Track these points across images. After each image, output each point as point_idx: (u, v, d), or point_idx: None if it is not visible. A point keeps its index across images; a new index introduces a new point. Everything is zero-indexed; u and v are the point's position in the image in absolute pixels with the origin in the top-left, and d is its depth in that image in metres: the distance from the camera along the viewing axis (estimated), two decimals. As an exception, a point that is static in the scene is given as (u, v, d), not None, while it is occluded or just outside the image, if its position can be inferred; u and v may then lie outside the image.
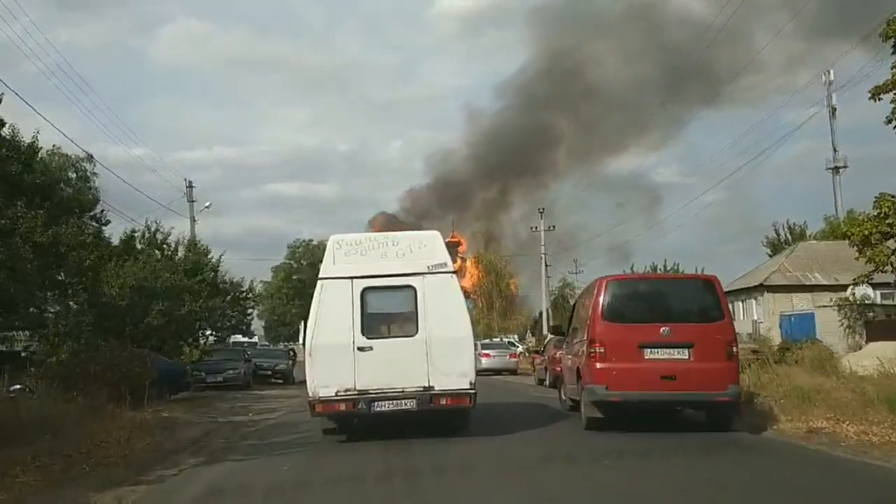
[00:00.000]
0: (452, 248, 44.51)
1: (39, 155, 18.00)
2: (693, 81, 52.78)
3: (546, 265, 49.05)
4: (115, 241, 25.68)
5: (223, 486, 7.50)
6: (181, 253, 29.07)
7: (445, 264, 10.11)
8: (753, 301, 33.88)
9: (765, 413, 11.25)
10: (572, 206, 77.04)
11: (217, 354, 27.02)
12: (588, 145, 58.34)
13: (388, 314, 10.33)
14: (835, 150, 46.40)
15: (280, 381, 28.59)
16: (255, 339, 50.08)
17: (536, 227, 48.74)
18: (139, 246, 26.97)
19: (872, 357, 17.29)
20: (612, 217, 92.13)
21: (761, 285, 32.62)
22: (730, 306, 11.26)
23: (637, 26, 64.25)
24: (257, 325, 60.27)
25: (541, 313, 50.17)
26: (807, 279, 32.27)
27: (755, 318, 32.97)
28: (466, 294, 33.44)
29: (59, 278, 17.66)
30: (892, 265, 18.76)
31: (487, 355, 31.27)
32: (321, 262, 10.43)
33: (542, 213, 48.71)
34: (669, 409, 10.97)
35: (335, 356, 9.66)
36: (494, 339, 43.83)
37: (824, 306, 28.79)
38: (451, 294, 10.02)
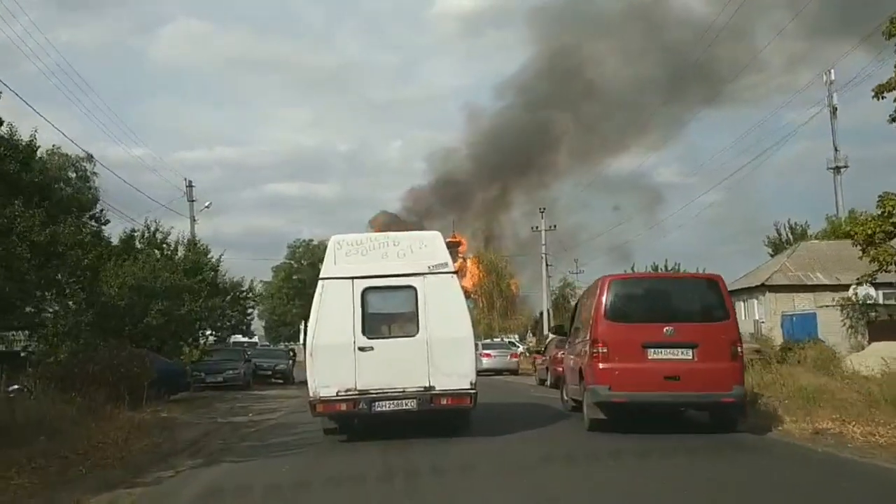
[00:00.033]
0: (453, 248, 44.50)
1: (38, 154, 17.90)
2: (694, 81, 52.81)
3: (547, 265, 48.91)
4: (115, 240, 25.61)
5: (221, 488, 7.41)
6: (181, 252, 28.93)
7: (446, 264, 10.12)
8: (755, 301, 33.74)
9: (769, 414, 11.13)
10: (573, 206, 77.25)
11: (217, 354, 26.94)
12: (588, 145, 58.35)
13: (388, 314, 10.34)
14: (836, 150, 46.39)
15: (280, 381, 28.52)
16: (256, 339, 49.98)
17: (537, 227, 48.60)
18: (139, 245, 26.86)
19: (876, 357, 17.18)
20: (613, 217, 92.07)
21: (763, 285, 32.48)
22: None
23: (637, 26, 64.30)
24: (258, 325, 60.21)
25: (541, 313, 50.04)
26: (808, 279, 32.14)
27: (756, 317, 32.83)
28: (467, 294, 33.32)
29: (58, 278, 17.56)
30: (896, 265, 18.65)
31: (488, 355, 31.19)
32: (321, 262, 10.44)
33: (542, 212, 48.59)
34: (673, 411, 10.87)
35: (336, 356, 9.66)
36: (495, 339, 43.72)
37: (826, 306, 28.68)
38: (451, 294, 10.02)
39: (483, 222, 61.80)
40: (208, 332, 31.48)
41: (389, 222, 56.35)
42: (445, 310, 9.82)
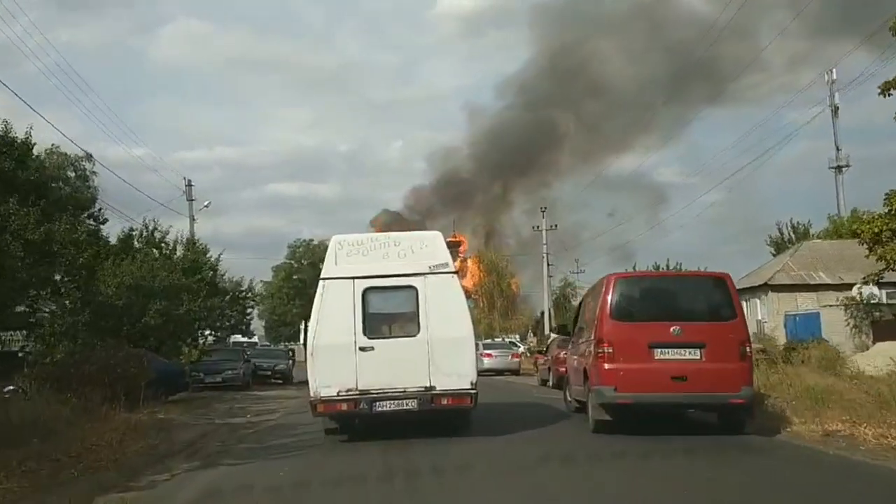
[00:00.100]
0: (453, 247, 44.29)
1: (35, 152, 17.73)
2: (696, 80, 52.72)
3: (548, 264, 48.69)
4: (114, 240, 25.43)
5: (217, 491, 7.26)
6: (180, 252, 28.75)
7: (447, 264, 10.16)
8: (757, 300, 33.53)
9: (777, 415, 10.92)
10: (574, 206, 76.75)
11: (216, 354, 26.79)
12: (590, 144, 58.22)
13: (389, 314, 10.36)
14: (837, 149, 46.31)
15: (280, 381, 28.36)
16: (255, 339, 49.81)
17: (538, 227, 48.41)
18: (137, 245, 26.68)
19: (883, 357, 17.00)
20: (617, 213, 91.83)
21: (765, 284, 32.26)
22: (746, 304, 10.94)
23: (639, 25, 64.14)
24: (258, 325, 60.07)
25: (542, 313, 49.85)
26: (811, 278, 31.93)
27: (759, 317, 32.63)
28: (468, 294, 33.10)
29: (55, 278, 17.38)
30: (903, 263, 18.41)
31: (489, 355, 30.98)
32: (322, 262, 10.50)
33: (544, 211, 48.41)
34: (679, 412, 10.66)
35: (337, 356, 9.69)
36: (496, 339, 43.51)
37: (830, 306, 28.50)
38: (452, 294, 10.05)
39: (484, 220, 61.70)
40: (207, 332, 31.30)
41: (392, 221, 56.29)
42: (446, 310, 9.86)
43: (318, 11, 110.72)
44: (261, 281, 55.29)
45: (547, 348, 24.42)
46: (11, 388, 12.87)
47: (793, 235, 45.00)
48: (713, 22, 53.95)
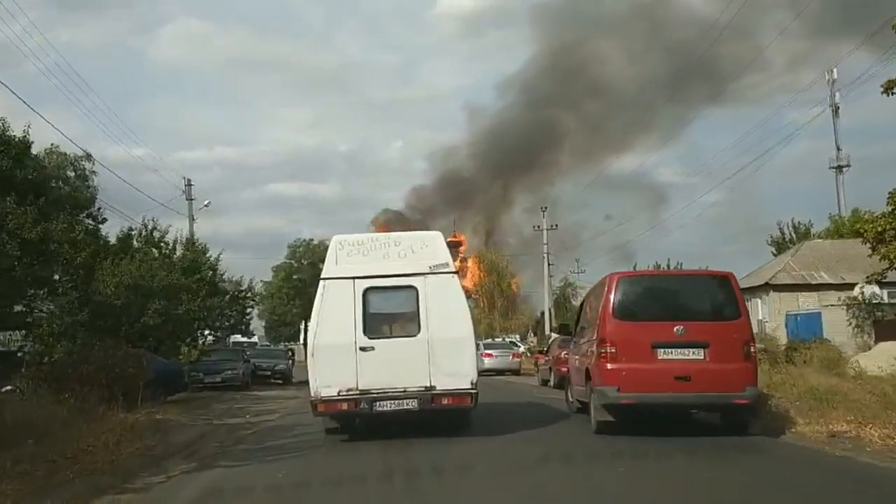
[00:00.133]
0: (454, 247, 44.19)
1: (34, 151, 17.60)
2: (696, 80, 52.60)
3: (549, 264, 48.59)
4: (113, 239, 25.31)
5: (214, 494, 7.17)
6: (179, 251, 28.63)
7: (447, 264, 10.19)
8: (759, 300, 33.43)
9: (781, 416, 10.77)
10: (574, 205, 76.68)
11: (215, 354, 26.72)
12: (591, 144, 58.10)
13: (389, 314, 10.37)
14: (838, 149, 46.27)
15: (279, 381, 28.30)
16: (255, 339, 49.70)
17: (539, 226, 48.31)
18: (136, 244, 26.56)
19: (886, 357, 16.89)
20: (614, 217, 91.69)
21: (766, 284, 32.17)
22: (747, 304, 10.81)
23: (639, 25, 64.03)
24: (258, 325, 59.93)
25: (543, 313, 49.74)
26: (812, 278, 31.84)
27: (760, 317, 32.53)
28: (468, 294, 33.02)
29: (54, 277, 17.26)
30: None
31: (490, 355, 30.88)
32: (322, 261, 10.54)
33: (544, 211, 48.34)
34: (683, 413, 10.55)
35: (337, 356, 9.72)
36: (496, 339, 43.40)
37: (832, 305, 28.41)
38: (452, 294, 10.08)
39: (484, 218, 61.60)
40: (207, 332, 31.18)
41: (393, 220, 56.18)
42: (446, 310, 9.90)
43: (318, 11, 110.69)
44: (261, 281, 55.14)
45: (548, 348, 24.32)
46: (9, 388, 12.76)
47: (794, 235, 44.92)
48: (713, 22, 53.96)
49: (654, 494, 6.55)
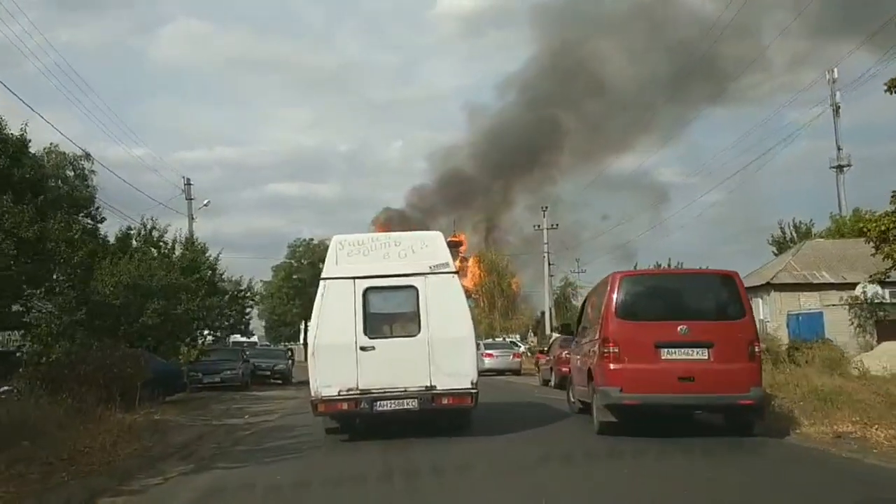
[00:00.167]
0: (454, 247, 44.10)
1: (32, 150, 17.48)
2: (696, 79, 52.51)
3: (549, 264, 48.45)
4: (112, 239, 25.19)
5: (210, 495, 7.08)
6: (178, 251, 28.51)
7: (447, 264, 10.19)
8: (760, 300, 33.31)
9: (785, 416, 10.68)
10: (575, 205, 76.52)
11: (215, 354, 26.63)
12: (591, 144, 57.96)
13: (390, 314, 10.36)
14: (839, 149, 46.22)
15: (279, 381, 28.21)
16: (255, 339, 49.60)
17: (539, 226, 48.19)
18: (135, 244, 26.44)
19: (889, 356, 16.81)
20: (614, 216, 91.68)
21: (768, 284, 32.05)
22: (751, 303, 10.69)
23: (640, 25, 63.92)
24: (258, 325, 59.81)
25: (543, 313, 49.62)
26: (814, 278, 31.72)
27: (762, 317, 32.42)
28: (468, 293, 32.91)
29: (54, 277, 17.13)
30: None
31: (490, 355, 30.78)
32: (322, 261, 10.53)
33: (545, 211, 48.21)
34: (686, 413, 10.45)
35: (338, 356, 9.71)
36: (497, 339, 43.30)
37: (834, 305, 28.30)
38: (452, 294, 10.08)
39: (484, 218, 61.49)
40: (206, 332, 31.07)
41: (394, 218, 56.10)
42: (446, 309, 9.90)
43: (318, 11, 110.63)
44: (260, 281, 54.95)
45: (549, 348, 24.23)
46: (6, 388, 12.63)
47: (795, 235, 44.81)
48: (714, 21, 53.86)
49: (655, 495, 6.49)
